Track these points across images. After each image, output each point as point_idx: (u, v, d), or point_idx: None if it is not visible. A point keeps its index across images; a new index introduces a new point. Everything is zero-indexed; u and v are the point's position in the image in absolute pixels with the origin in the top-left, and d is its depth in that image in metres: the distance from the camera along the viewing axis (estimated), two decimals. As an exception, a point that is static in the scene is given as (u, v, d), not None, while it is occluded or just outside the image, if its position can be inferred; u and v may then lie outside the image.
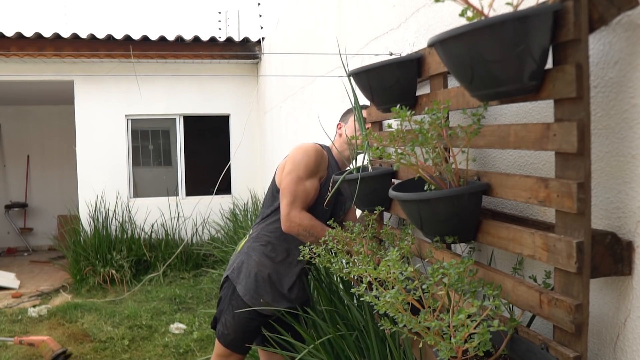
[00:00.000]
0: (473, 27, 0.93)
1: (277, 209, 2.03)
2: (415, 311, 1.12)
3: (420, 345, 1.15)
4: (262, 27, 6.50)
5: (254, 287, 1.95)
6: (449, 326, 1.03)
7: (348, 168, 2.06)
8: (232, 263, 2.09)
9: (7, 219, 8.72)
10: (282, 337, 1.93)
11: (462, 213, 1.22)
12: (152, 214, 6.57)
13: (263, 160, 6.71)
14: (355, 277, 1.69)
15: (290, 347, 1.96)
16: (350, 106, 1.95)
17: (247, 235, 2.16)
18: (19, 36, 5.80)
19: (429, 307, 1.10)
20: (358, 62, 2.53)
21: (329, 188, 1.92)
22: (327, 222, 1.83)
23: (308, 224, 1.89)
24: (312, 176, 1.93)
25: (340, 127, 2.06)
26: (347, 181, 1.82)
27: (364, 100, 2.03)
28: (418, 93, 1.65)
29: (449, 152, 1.28)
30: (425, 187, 1.28)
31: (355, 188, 1.78)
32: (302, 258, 1.69)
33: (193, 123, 6.95)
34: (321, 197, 1.97)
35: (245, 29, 7.25)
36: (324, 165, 1.97)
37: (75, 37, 5.91)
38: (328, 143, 2.17)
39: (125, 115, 6.58)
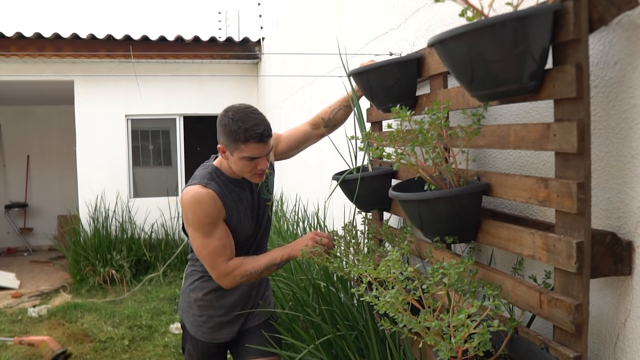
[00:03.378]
0: (473, 27, 0.93)
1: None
2: (415, 311, 1.12)
3: (420, 345, 1.15)
4: (262, 27, 6.50)
5: (198, 324, 1.95)
6: (449, 326, 1.03)
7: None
8: (180, 302, 2.08)
9: (7, 219, 8.72)
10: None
11: (462, 213, 1.22)
12: (152, 214, 6.57)
13: (263, 160, 6.69)
14: (355, 277, 1.69)
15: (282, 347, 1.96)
16: (225, 126, 1.66)
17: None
18: (19, 36, 5.79)
19: (429, 307, 1.10)
20: (358, 62, 2.52)
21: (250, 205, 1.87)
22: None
23: (239, 272, 1.77)
24: (215, 227, 1.76)
25: (225, 153, 1.75)
26: (346, 181, 1.82)
27: (363, 101, 2.03)
28: (418, 93, 1.66)
29: (449, 152, 1.28)
30: (425, 187, 1.28)
31: (355, 188, 1.78)
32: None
33: (193, 123, 6.95)
34: (238, 221, 1.84)
35: (245, 29, 7.25)
36: (219, 206, 1.77)
37: (75, 37, 5.91)
38: (328, 144, 2.14)
39: (125, 115, 6.58)
